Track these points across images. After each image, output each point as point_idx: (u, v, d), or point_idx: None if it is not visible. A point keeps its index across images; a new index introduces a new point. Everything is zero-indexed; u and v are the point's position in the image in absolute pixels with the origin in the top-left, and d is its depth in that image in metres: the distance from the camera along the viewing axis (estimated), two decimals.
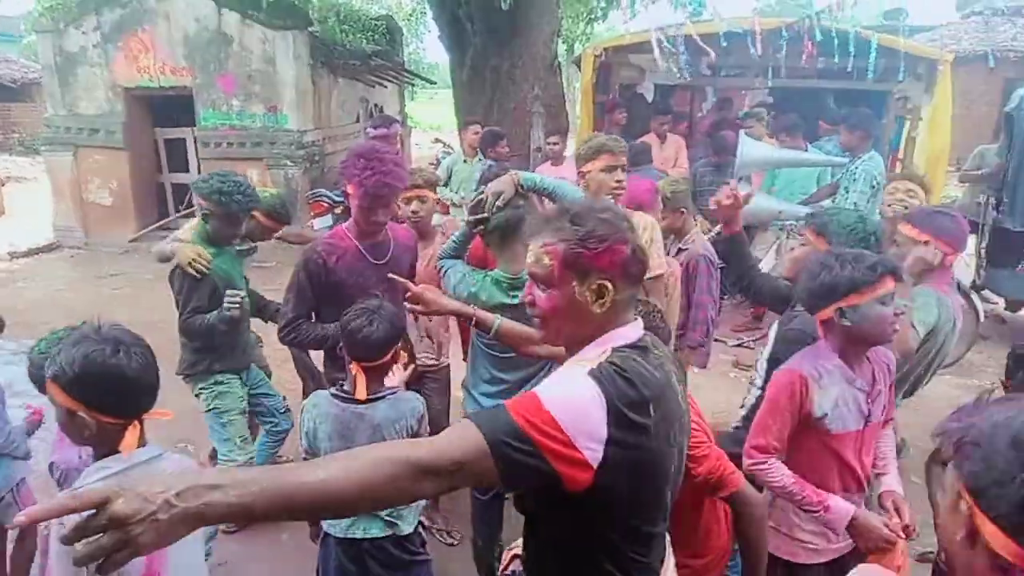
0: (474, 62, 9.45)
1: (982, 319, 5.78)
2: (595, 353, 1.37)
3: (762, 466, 2.02)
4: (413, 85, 13.70)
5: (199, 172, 9.49)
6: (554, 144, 6.36)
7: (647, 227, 3.03)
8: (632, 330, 1.42)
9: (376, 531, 2.39)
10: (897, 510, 2.00)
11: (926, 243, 2.69)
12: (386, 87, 11.59)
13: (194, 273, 3.10)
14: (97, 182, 9.55)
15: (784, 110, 7.42)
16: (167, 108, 9.61)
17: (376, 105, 11.23)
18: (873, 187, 4.95)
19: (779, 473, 2.01)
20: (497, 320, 2.25)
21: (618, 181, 2.89)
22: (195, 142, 9.41)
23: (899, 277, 1.94)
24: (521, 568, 1.60)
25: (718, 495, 1.98)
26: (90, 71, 9.27)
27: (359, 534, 2.39)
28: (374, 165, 2.67)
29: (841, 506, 1.98)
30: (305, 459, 2.41)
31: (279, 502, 1.08)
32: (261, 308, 3.72)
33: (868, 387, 2.04)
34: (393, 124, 6.23)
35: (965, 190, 7.42)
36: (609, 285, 1.38)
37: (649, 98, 8.60)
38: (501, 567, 1.86)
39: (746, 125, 6.70)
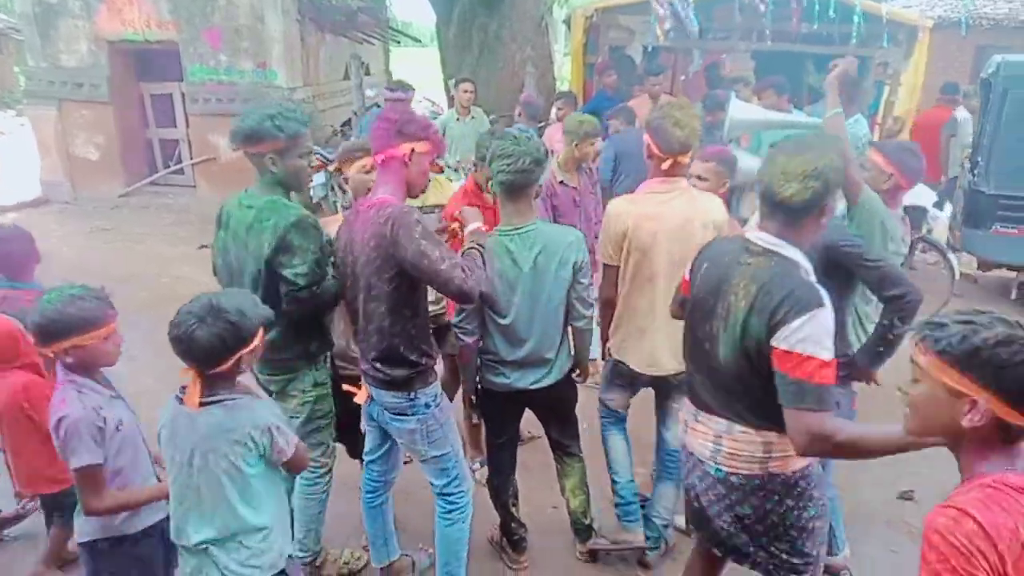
0: (461, 20, 9.44)
1: (956, 278, 6.08)
2: None
3: None
4: (399, 43, 13.59)
5: (187, 128, 9.46)
6: (561, 109, 6.34)
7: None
8: None
9: None
10: None
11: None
12: (373, 44, 11.52)
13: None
14: (83, 136, 9.45)
15: (767, 75, 7.58)
16: (153, 62, 9.50)
17: (363, 63, 11.17)
18: (858, 148, 5.19)
19: None
20: None
21: None
22: (183, 97, 9.34)
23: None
24: None
25: None
26: (72, 23, 9.09)
27: None
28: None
29: None
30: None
31: None
32: None
33: None
34: (409, 91, 6.36)
35: None
36: None
37: (637, 60, 8.72)
38: None
39: (734, 89, 6.84)
